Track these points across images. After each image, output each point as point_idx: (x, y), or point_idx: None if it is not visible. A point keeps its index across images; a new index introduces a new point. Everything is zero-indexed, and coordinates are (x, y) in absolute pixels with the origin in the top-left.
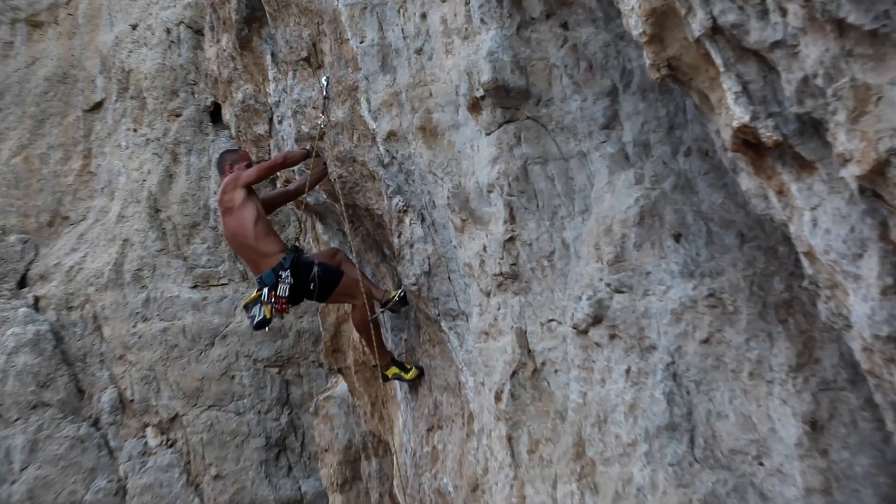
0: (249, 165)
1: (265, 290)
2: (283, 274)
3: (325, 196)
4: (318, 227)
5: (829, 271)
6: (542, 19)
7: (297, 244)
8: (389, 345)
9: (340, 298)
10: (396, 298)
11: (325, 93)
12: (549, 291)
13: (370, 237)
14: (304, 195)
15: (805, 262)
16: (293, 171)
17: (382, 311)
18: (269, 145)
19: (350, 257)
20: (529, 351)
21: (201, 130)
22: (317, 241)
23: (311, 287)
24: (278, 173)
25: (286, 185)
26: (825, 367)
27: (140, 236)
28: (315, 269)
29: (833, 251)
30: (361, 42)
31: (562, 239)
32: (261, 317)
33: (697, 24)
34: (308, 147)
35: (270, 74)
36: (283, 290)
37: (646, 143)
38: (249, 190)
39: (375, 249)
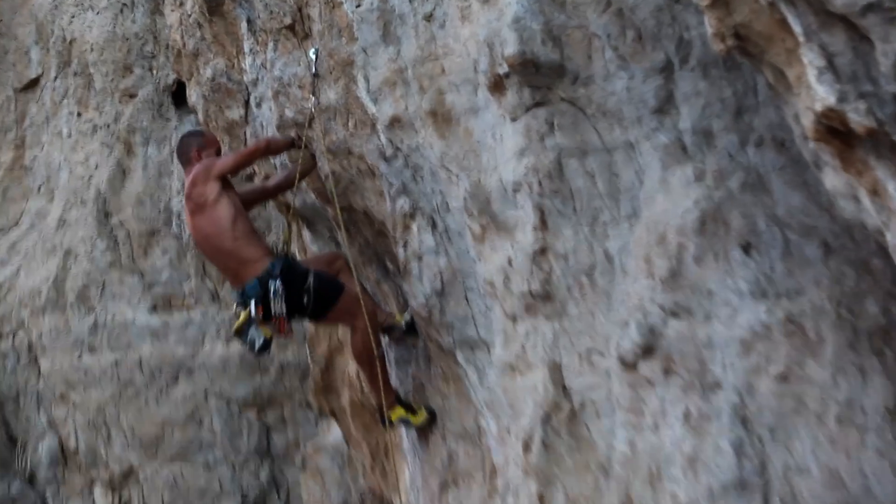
0: (220, 152)
1: (252, 304)
2: (274, 284)
3: (314, 197)
4: (306, 235)
5: None
6: None
7: (285, 250)
8: (394, 380)
9: (339, 318)
10: (402, 325)
11: (313, 69)
12: (588, 315)
13: (369, 248)
14: (288, 193)
15: None
16: (273, 164)
17: (387, 339)
18: (244, 133)
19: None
20: (565, 389)
21: (161, 115)
22: (304, 253)
23: (304, 301)
24: (255, 167)
25: (265, 182)
26: None
27: (86, 246)
28: (310, 279)
29: None
30: (358, 6)
31: (604, 250)
32: (262, 339)
33: None
34: (294, 135)
35: (246, 46)
36: (278, 305)
37: (707, 131)
38: (225, 182)
39: (376, 263)
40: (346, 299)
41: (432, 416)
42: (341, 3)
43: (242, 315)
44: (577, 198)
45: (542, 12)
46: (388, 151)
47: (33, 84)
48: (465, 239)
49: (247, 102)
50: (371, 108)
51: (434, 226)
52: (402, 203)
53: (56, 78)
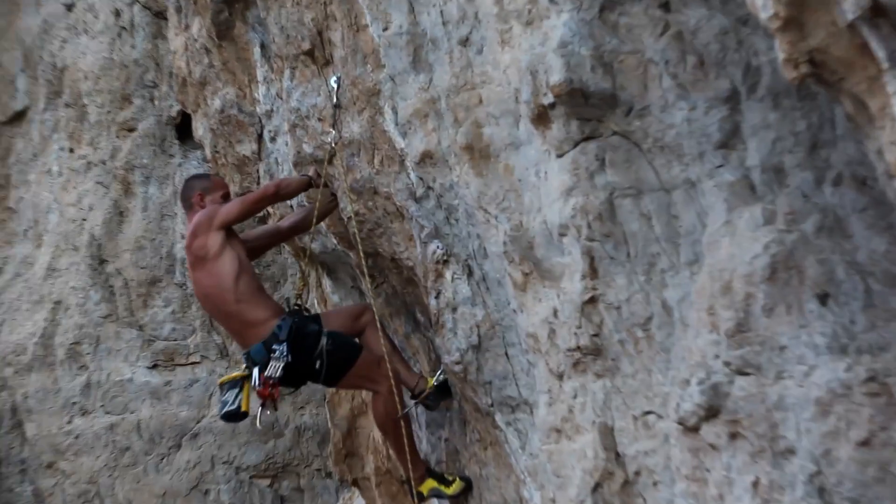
0: (227, 197)
1: (255, 370)
2: (278, 349)
3: (335, 241)
4: (327, 283)
5: None
6: None
7: (297, 304)
8: (423, 446)
9: (357, 383)
10: (434, 385)
11: (334, 99)
12: (644, 373)
13: (397, 298)
14: (305, 237)
15: None
16: (289, 204)
17: (416, 405)
18: (257, 171)
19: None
20: (618, 455)
21: (164, 151)
22: (324, 303)
23: (317, 366)
24: (269, 209)
25: (279, 222)
26: None
27: (78, 297)
28: (323, 340)
29: None
30: (385, 29)
31: (662, 300)
32: (234, 406)
33: (851, 1)
34: (310, 173)
35: (260, 74)
36: (274, 369)
37: (779, 167)
38: (229, 232)
39: (405, 315)
40: (365, 363)
41: (468, 486)
42: (366, 25)
43: (237, 373)
44: (631, 242)
45: (591, 36)
46: (419, 191)
47: (20, 116)
48: (505, 288)
49: (260, 136)
50: (399, 143)
51: (470, 273)
52: (435, 248)
53: (45, 109)
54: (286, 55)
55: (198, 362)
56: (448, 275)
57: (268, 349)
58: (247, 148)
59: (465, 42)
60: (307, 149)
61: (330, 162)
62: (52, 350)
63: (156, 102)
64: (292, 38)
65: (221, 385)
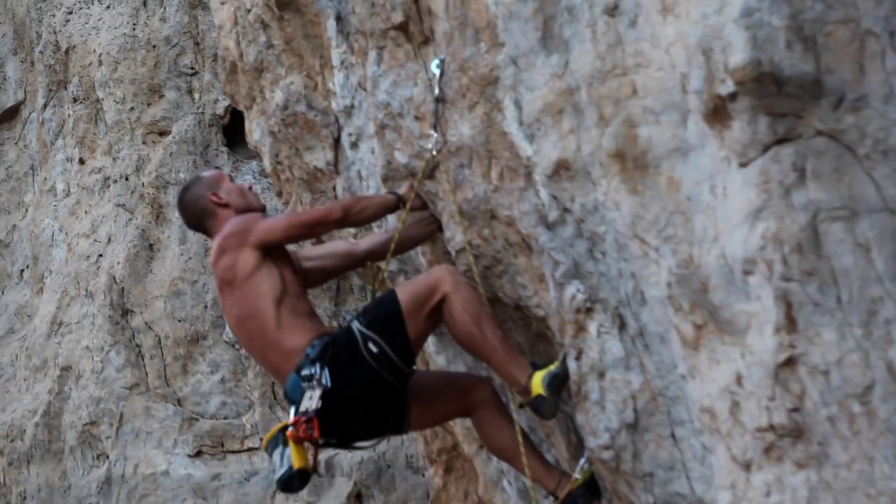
0: (243, 193)
1: (291, 411)
2: (310, 372)
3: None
4: (430, 340)
5: None
6: None
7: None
8: None
9: (426, 325)
10: (580, 482)
11: (437, 90)
12: (863, 462)
13: (524, 358)
14: (386, 264)
15: None
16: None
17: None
18: (333, 189)
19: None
20: None
21: (207, 161)
22: (426, 366)
23: (373, 351)
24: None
25: (355, 241)
26: None
27: (94, 361)
28: (357, 328)
29: None
30: None
31: (887, 362)
32: (285, 467)
33: None
34: (402, 191)
35: (336, 57)
36: (309, 399)
37: None
38: (268, 249)
39: None
40: (411, 292)
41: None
42: None
43: (277, 426)
44: (842, 282)
45: (786, 0)
46: (552, 214)
47: (11, 115)
48: (669, 345)
49: (337, 142)
50: (525, 149)
51: (622, 326)
52: (574, 291)
53: (46, 106)
54: (371, 31)
55: (256, 448)
56: (593, 328)
57: (301, 378)
58: (319, 157)
59: (612, 10)
60: (401, 158)
61: (430, 176)
62: (58, 433)
63: (195, 96)
64: (379, 6)
65: (266, 449)
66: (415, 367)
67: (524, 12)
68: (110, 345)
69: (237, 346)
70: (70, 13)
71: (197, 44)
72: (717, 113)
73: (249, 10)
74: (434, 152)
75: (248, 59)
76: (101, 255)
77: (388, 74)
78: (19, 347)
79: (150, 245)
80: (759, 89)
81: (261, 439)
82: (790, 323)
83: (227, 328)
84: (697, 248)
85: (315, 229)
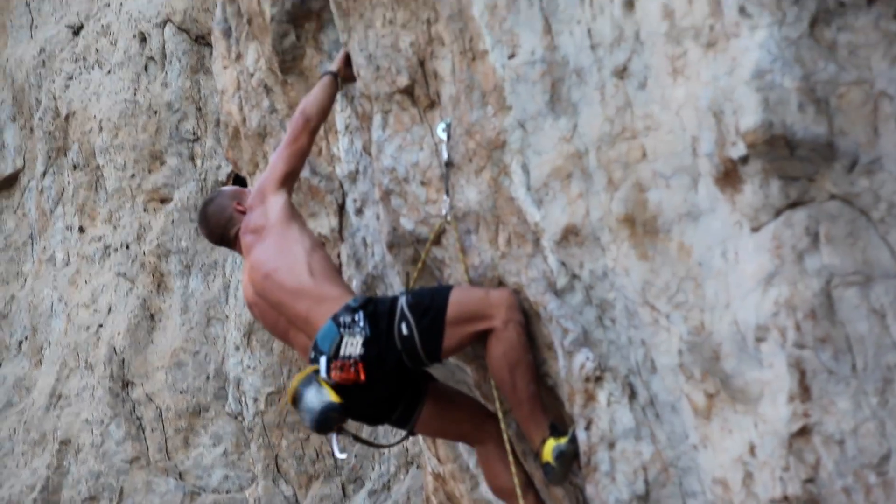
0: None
1: (322, 360)
2: (352, 318)
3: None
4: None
5: None
6: (861, 6)
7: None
8: None
9: (465, 333)
10: None
11: (445, 155)
12: None
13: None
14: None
15: None
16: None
17: None
18: (338, 256)
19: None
20: None
21: None
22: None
23: (404, 333)
24: None
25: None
26: None
27: (94, 434)
28: (401, 303)
29: None
30: (512, 56)
31: None
32: (322, 405)
33: None
34: (333, 67)
35: (340, 121)
36: (353, 345)
37: None
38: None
39: None
40: (459, 301)
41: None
42: (486, 51)
43: (302, 373)
44: (857, 349)
45: (799, 61)
46: (561, 280)
47: (10, 183)
48: (681, 415)
49: (341, 208)
50: (533, 215)
51: (633, 395)
52: (584, 360)
53: (45, 173)
54: (376, 94)
55: None
56: (602, 397)
57: (337, 323)
58: (324, 224)
59: (622, 72)
60: (406, 224)
61: (437, 241)
62: None
63: (197, 162)
64: (384, 69)
65: (294, 397)
66: (440, 362)
67: (532, 75)
68: (110, 417)
69: (239, 418)
70: (70, 78)
71: (199, 109)
72: (729, 176)
73: (252, 75)
74: (448, 219)
75: (251, 124)
76: (101, 326)
77: (393, 139)
78: (17, 421)
79: (152, 315)
80: (771, 152)
81: None
82: (804, 391)
83: (229, 399)
84: (709, 314)
85: (300, 141)
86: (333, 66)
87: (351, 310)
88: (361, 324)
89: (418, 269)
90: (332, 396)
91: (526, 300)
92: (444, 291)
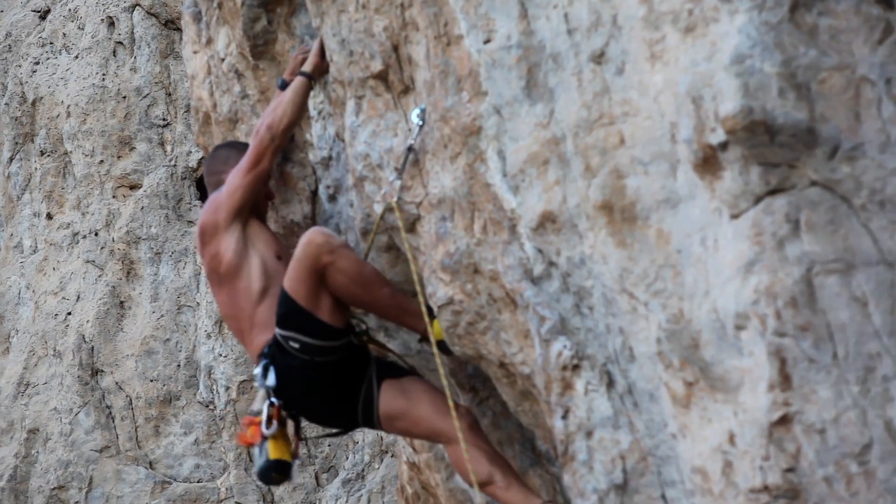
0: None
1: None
2: (256, 373)
3: (419, 340)
4: None
5: None
6: None
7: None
8: None
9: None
10: None
11: (412, 139)
12: None
13: (509, 420)
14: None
15: None
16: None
17: None
18: None
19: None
20: None
21: (179, 216)
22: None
23: (301, 348)
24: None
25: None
26: None
27: (63, 423)
28: (278, 334)
29: None
30: (487, 41)
31: (886, 420)
32: (263, 459)
33: None
34: (307, 68)
35: (312, 107)
36: (265, 379)
37: None
38: (248, 218)
39: (519, 443)
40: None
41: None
42: (461, 36)
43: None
44: (838, 338)
45: (778, 46)
46: (537, 268)
47: None
48: (660, 404)
49: (314, 195)
50: (509, 201)
51: (610, 383)
52: (561, 348)
53: (12, 159)
54: (349, 80)
55: None
56: (580, 385)
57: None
58: (296, 211)
59: (599, 58)
60: (380, 210)
61: (412, 229)
62: (25, 499)
63: (167, 148)
64: (357, 55)
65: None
66: (358, 326)
67: (508, 60)
68: (79, 406)
69: (210, 406)
70: (37, 63)
71: (168, 94)
72: (708, 163)
73: (223, 60)
74: (391, 196)
75: (222, 110)
76: (69, 314)
77: (366, 125)
78: None
79: (121, 302)
80: (751, 138)
81: (237, 503)
82: (784, 380)
83: (200, 387)
84: (688, 302)
85: (262, 163)
86: (308, 65)
87: (263, 355)
88: (262, 376)
89: (368, 245)
90: (270, 452)
91: (502, 287)
92: (281, 293)
